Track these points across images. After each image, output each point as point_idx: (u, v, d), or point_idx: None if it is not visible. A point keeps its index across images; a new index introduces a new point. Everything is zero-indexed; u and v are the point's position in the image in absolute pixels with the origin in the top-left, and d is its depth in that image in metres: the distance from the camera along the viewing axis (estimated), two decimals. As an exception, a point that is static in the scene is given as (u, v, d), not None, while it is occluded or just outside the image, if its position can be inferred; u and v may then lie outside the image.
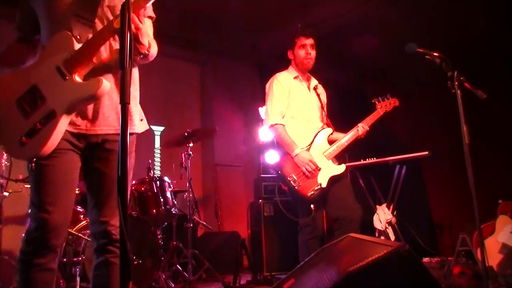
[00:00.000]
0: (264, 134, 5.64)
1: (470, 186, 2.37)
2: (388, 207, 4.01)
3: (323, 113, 3.40)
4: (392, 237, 3.95)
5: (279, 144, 3.23)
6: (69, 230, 3.37)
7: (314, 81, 3.46)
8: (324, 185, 3.06)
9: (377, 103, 3.41)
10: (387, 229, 3.83)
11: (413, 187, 5.80)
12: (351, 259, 1.74)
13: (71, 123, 1.67)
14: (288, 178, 3.06)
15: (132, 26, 1.57)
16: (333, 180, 3.10)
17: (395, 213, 4.11)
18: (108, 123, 1.74)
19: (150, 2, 1.62)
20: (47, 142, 1.58)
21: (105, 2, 1.74)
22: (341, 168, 3.14)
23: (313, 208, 3.12)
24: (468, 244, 3.85)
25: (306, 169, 3.04)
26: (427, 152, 3.67)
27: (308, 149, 3.16)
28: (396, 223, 4.09)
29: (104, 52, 1.71)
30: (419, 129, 6.87)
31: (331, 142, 3.25)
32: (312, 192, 3.04)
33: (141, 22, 1.63)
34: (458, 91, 2.50)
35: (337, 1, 5.08)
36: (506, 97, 6.07)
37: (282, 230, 4.42)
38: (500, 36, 5.57)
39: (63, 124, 1.61)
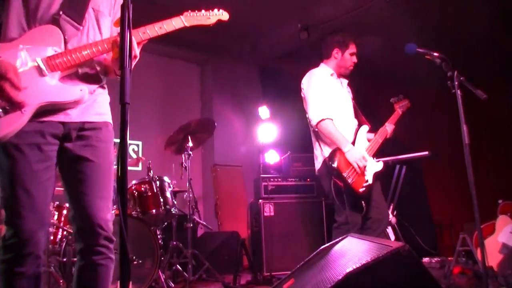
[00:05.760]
0: (263, 134, 5.64)
1: (470, 186, 2.37)
2: (388, 207, 4.02)
3: (356, 109, 3.39)
4: (392, 237, 3.95)
5: (326, 139, 3.15)
6: (69, 230, 3.38)
7: (344, 79, 3.43)
8: (370, 181, 3.07)
9: (394, 103, 3.44)
10: (387, 229, 3.83)
11: (413, 187, 5.80)
12: (351, 259, 1.73)
13: (51, 114, 1.59)
14: (344, 174, 3.00)
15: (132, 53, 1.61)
16: (376, 176, 3.11)
17: (395, 213, 4.11)
18: (89, 111, 1.69)
19: (154, 36, 1.69)
20: (4, 132, 1.46)
21: (90, 4, 1.71)
22: (380, 165, 3.16)
23: (364, 205, 3.10)
24: (468, 244, 3.85)
25: (358, 165, 3.01)
26: (427, 152, 3.68)
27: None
28: (396, 223, 4.09)
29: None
30: (419, 129, 6.87)
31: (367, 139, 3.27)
32: (363, 189, 3.03)
33: (138, 49, 1.66)
34: (458, 91, 2.50)
35: (337, 2, 5.08)
36: (506, 97, 6.07)
37: (282, 230, 4.43)
38: (501, 36, 5.56)
39: (26, 118, 1.51)
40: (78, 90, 1.59)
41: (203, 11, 1.83)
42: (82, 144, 1.65)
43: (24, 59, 1.54)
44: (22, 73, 1.52)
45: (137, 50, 1.64)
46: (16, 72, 1.49)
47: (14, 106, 1.48)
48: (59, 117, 1.61)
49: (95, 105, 1.71)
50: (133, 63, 1.67)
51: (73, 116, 1.64)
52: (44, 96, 1.54)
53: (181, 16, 1.77)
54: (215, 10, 1.87)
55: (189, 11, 1.80)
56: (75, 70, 1.63)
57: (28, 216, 1.52)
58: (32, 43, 1.56)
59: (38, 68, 1.55)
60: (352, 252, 1.90)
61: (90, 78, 1.70)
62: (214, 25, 1.87)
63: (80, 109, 1.66)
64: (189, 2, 1.89)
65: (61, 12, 1.62)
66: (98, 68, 1.73)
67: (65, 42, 1.61)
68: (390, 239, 3.84)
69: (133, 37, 1.60)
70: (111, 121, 1.78)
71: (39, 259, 1.57)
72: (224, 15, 1.88)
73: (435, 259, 4.67)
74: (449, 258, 4.32)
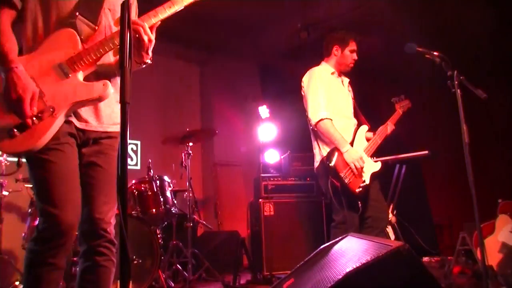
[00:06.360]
0: (263, 133, 5.64)
1: (470, 185, 2.37)
2: (388, 207, 4.02)
3: (355, 109, 3.39)
4: (392, 237, 3.95)
5: (325, 139, 3.15)
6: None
7: (346, 78, 3.44)
8: (367, 181, 3.07)
9: (395, 103, 3.46)
10: (387, 229, 3.83)
11: (413, 186, 5.80)
12: (351, 258, 1.74)
13: (74, 117, 1.66)
14: (341, 174, 3.01)
15: (146, 38, 1.64)
16: (373, 177, 3.12)
17: (395, 212, 4.11)
18: (106, 120, 1.75)
19: (166, 16, 1.70)
20: (41, 138, 1.54)
21: (105, 4, 1.75)
22: (378, 165, 3.17)
23: (360, 205, 3.10)
24: (468, 243, 3.85)
25: (355, 166, 3.01)
26: (426, 152, 3.68)
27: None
28: (396, 222, 4.09)
29: (107, 55, 1.72)
30: (419, 129, 6.87)
31: (366, 139, 3.27)
32: (360, 189, 3.03)
33: (152, 33, 1.69)
34: (458, 90, 2.50)
35: (337, 1, 5.07)
36: (506, 97, 6.07)
37: (282, 229, 4.43)
38: (501, 36, 5.56)
39: (60, 121, 1.59)
40: (101, 85, 1.63)
41: None
42: (96, 150, 1.72)
43: (47, 65, 1.60)
44: (47, 79, 1.59)
45: (151, 35, 1.68)
46: (34, 92, 1.53)
47: (44, 114, 1.55)
48: (82, 125, 1.68)
49: (113, 116, 1.77)
50: (151, 47, 1.72)
51: (94, 125, 1.71)
52: (71, 97, 1.60)
53: None
54: None
55: None
56: (95, 67, 1.68)
57: (69, 209, 1.57)
58: (52, 49, 1.62)
59: (61, 71, 1.61)
60: (352, 251, 1.90)
61: (111, 73, 1.76)
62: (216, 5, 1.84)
63: (101, 118, 1.72)
64: None
65: (77, 13, 1.66)
66: (114, 62, 1.77)
67: (82, 42, 1.65)
68: (390, 238, 3.84)
69: (145, 24, 1.64)
70: None
71: (69, 252, 1.65)
72: None
73: (435, 258, 4.68)
74: (449, 258, 4.32)
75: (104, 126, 1.74)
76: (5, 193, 3.75)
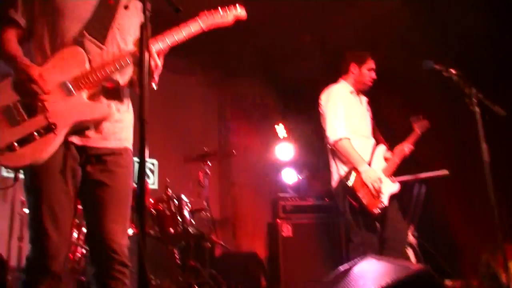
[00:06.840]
0: (281, 152, 5.62)
1: (492, 205, 2.32)
2: (408, 227, 3.94)
3: (374, 128, 3.39)
4: (413, 259, 3.86)
5: (343, 158, 3.15)
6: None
7: (364, 97, 3.44)
8: (386, 203, 3.05)
9: (413, 122, 3.43)
10: (407, 250, 3.75)
11: (433, 206, 5.69)
12: (370, 281, 1.70)
13: (76, 136, 1.64)
14: (359, 194, 3.00)
15: (152, 63, 1.63)
16: (391, 198, 3.09)
17: (415, 233, 4.03)
18: (110, 137, 1.72)
19: (173, 43, 1.69)
20: (41, 153, 1.53)
21: (114, 24, 1.74)
22: (396, 186, 3.15)
23: (378, 226, 3.08)
24: (492, 266, 3.73)
25: (374, 187, 3.00)
26: (446, 171, 3.62)
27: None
28: (416, 244, 4.00)
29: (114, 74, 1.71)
30: (438, 147, 6.76)
31: (384, 159, 3.26)
32: (378, 210, 3.01)
33: (160, 60, 1.69)
34: (477, 108, 2.47)
35: (351, 21, 5.08)
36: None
37: (301, 250, 4.36)
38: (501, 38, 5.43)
39: (61, 138, 1.58)
40: (105, 106, 1.64)
41: (219, 10, 1.79)
42: (101, 168, 1.69)
43: (52, 83, 1.60)
44: (51, 96, 1.58)
45: (158, 61, 1.67)
46: (41, 75, 1.56)
47: (47, 128, 1.55)
48: (82, 141, 1.66)
49: (118, 130, 1.74)
50: (156, 74, 1.71)
51: (96, 141, 1.68)
52: (74, 115, 1.60)
53: (198, 18, 1.76)
54: (232, 7, 1.83)
55: (205, 11, 1.77)
56: (100, 87, 1.67)
57: (53, 235, 1.56)
58: (58, 66, 1.62)
59: (66, 89, 1.61)
60: (371, 273, 1.86)
61: (116, 94, 1.74)
62: (232, 25, 1.81)
63: (103, 134, 1.69)
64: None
65: (84, 32, 1.67)
66: (122, 82, 1.76)
67: (90, 62, 1.65)
68: (410, 260, 3.75)
69: (153, 48, 1.63)
70: (131, 146, 1.80)
71: (60, 281, 1.59)
72: (241, 13, 1.84)
73: (458, 282, 4.54)
74: (474, 282, 4.20)
75: (106, 143, 1.70)
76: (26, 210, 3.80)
